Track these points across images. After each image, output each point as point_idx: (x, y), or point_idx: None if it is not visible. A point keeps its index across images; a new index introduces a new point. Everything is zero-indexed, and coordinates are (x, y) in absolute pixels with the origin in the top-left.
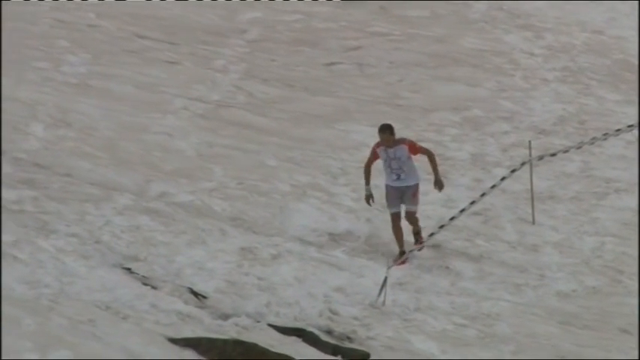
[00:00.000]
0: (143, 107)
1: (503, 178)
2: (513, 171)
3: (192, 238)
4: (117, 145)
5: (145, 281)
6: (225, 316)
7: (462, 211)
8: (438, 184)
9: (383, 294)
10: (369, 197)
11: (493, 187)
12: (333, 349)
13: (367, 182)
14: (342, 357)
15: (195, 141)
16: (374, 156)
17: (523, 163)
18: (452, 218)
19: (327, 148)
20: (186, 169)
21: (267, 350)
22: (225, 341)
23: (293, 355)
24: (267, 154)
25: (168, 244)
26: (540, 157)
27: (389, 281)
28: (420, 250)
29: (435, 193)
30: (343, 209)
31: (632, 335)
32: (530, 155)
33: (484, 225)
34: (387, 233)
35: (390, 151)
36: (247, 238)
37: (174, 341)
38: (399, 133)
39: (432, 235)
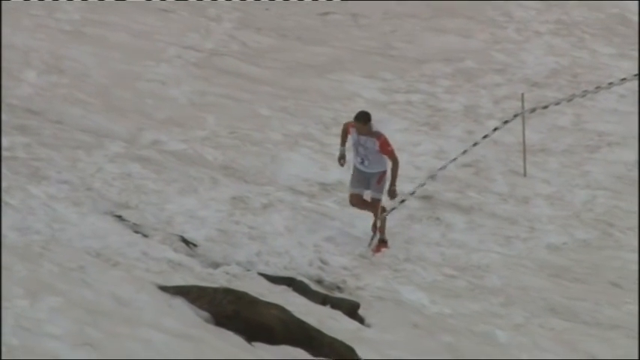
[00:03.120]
0: (137, 55)
1: (495, 129)
2: (505, 122)
3: (183, 186)
4: (110, 92)
5: (136, 229)
6: (216, 265)
7: (453, 160)
8: (391, 194)
9: (373, 244)
10: (341, 158)
11: (485, 137)
12: (323, 299)
13: (342, 143)
14: (332, 306)
15: (188, 89)
16: (347, 128)
17: (515, 115)
18: (442, 167)
19: (320, 98)
20: (179, 117)
21: (257, 299)
22: (215, 289)
23: (283, 304)
24: (259, 103)
25: (159, 192)
26: (532, 110)
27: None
28: (374, 251)
29: (426, 144)
30: (334, 159)
31: (622, 289)
32: (522, 107)
33: (475, 177)
34: None
35: (361, 137)
36: (239, 187)
37: (164, 289)
38: (392, 83)
39: (422, 185)
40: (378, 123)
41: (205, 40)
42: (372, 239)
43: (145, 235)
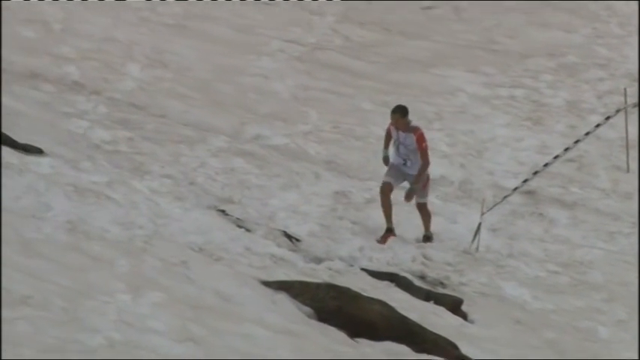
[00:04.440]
0: (239, 49)
1: (597, 125)
2: (608, 118)
3: (286, 181)
4: (212, 86)
5: (239, 224)
6: (319, 260)
7: (556, 157)
8: (408, 195)
9: (476, 240)
10: (385, 160)
11: (587, 134)
12: (426, 295)
13: (385, 146)
14: (435, 302)
15: (291, 83)
16: (389, 129)
17: (618, 110)
18: (546, 165)
19: (423, 93)
20: (282, 111)
21: (360, 294)
22: (317, 285)
23: (385, 300)
24: (362, 97)
25: (262, 186)
26: (635, 105)
27: (482, 227)
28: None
29: (529, 139)
30: (437, 154)
31: None
32: (625, 102)
33: (578, 172)
34: (481, 179)
35: (401, 134)
36: (341, 182)
37: (267, 284)
38: (495, 78)
39: (525, 181)
40: (478, 118)
41: (308, 34)
42: (474, 236)
43: (248, 230)
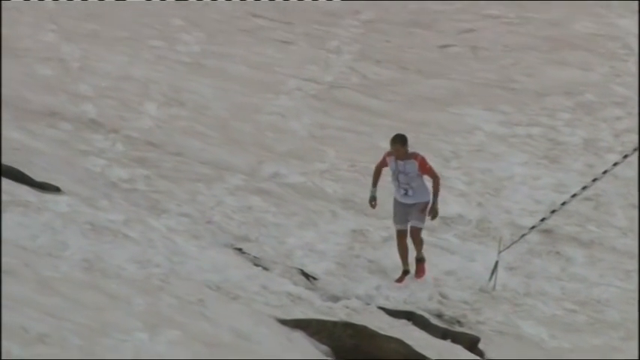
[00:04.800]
0: (256, 87)
1: (615, 164)
2: (625, 157)
3: (303, 219)
4: (229, 125)
5: (256, 262)
6: (335, 298)
7: (574, 196)
8: (433, 212)
9: (493, 278)
10: (372, 200)
11: (605, 172)
12: (443, 333)
13: (374, 184)
14: (452, 341)
15: (308, 122)
16: (383, 162)
17: (635, 149)
18: (563, 203)
19: (440, 131)
20: (299, 150)
21: (377, 333)
22: (334, 323)
23: (402, 338)
24: (379, 136)
25: (279, 225)
26: None
27: (499, 266)
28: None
29: (546, 178)
30: (455, 193)
31: None
32: None
33: (595, 211)
34: (498, 218)
35: (400, 163)
36: (358, 221)
37: (284, 322)
38: (512, 116)
39: (543, 219)
40: (495, 156)
41: (325, 73)
42: (492, 274)
43: (265, 269)
